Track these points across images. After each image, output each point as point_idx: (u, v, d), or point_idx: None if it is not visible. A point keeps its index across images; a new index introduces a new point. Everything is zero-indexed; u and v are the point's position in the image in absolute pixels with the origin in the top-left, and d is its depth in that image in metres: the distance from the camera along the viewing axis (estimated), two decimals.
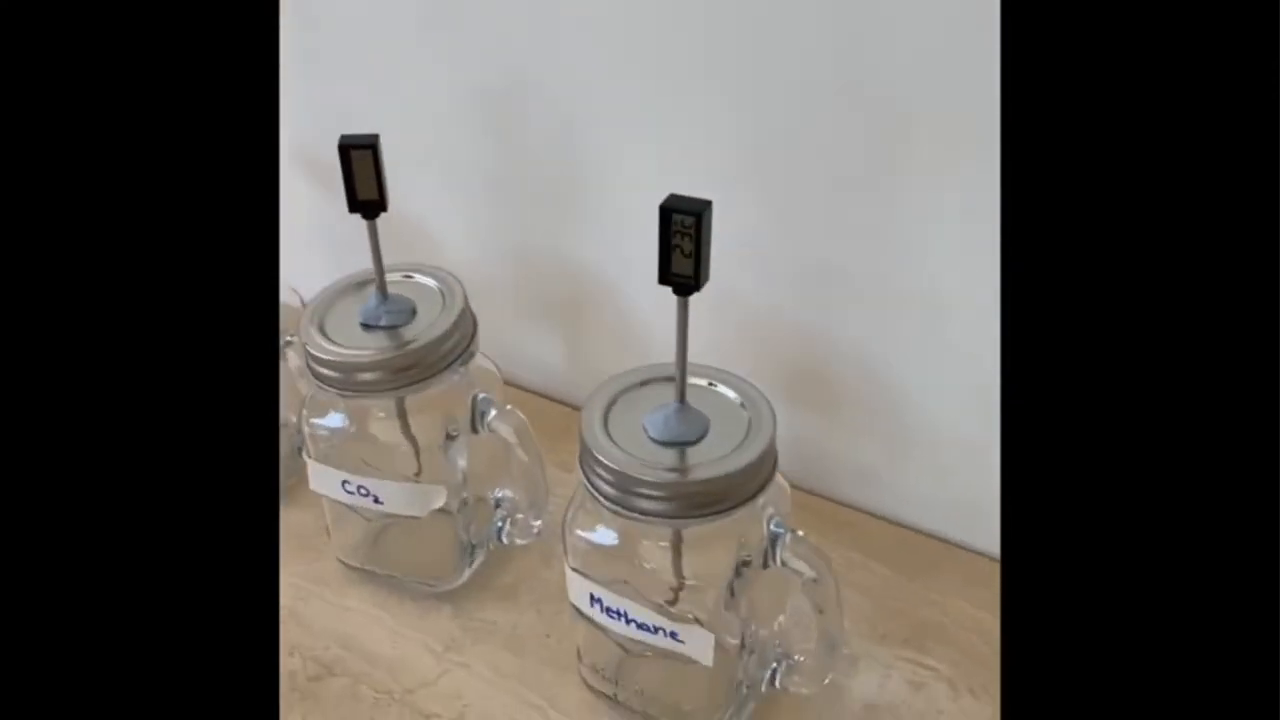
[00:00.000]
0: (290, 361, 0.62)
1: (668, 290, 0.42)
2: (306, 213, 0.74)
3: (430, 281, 0.56)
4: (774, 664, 0.51)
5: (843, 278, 0.58)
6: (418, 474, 0.56)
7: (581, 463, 0.46)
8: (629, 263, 0.64)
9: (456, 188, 0.69)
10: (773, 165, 0.56)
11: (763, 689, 0.51)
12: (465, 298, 0.55)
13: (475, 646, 0.57)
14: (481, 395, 0.56)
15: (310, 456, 0.57)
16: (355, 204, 0.51)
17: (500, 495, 0.60)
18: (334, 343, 0.53)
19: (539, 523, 0.58)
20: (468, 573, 0.59)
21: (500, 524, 0.59)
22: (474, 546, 0.59)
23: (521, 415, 0.55)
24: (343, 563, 0.61)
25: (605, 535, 0.47)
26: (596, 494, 0.45)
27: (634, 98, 0.59)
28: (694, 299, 0.42)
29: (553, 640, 0.57)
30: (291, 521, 0.65)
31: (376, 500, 0.55)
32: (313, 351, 0.52)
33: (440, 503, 0.55)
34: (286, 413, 0.65)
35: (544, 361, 0.72)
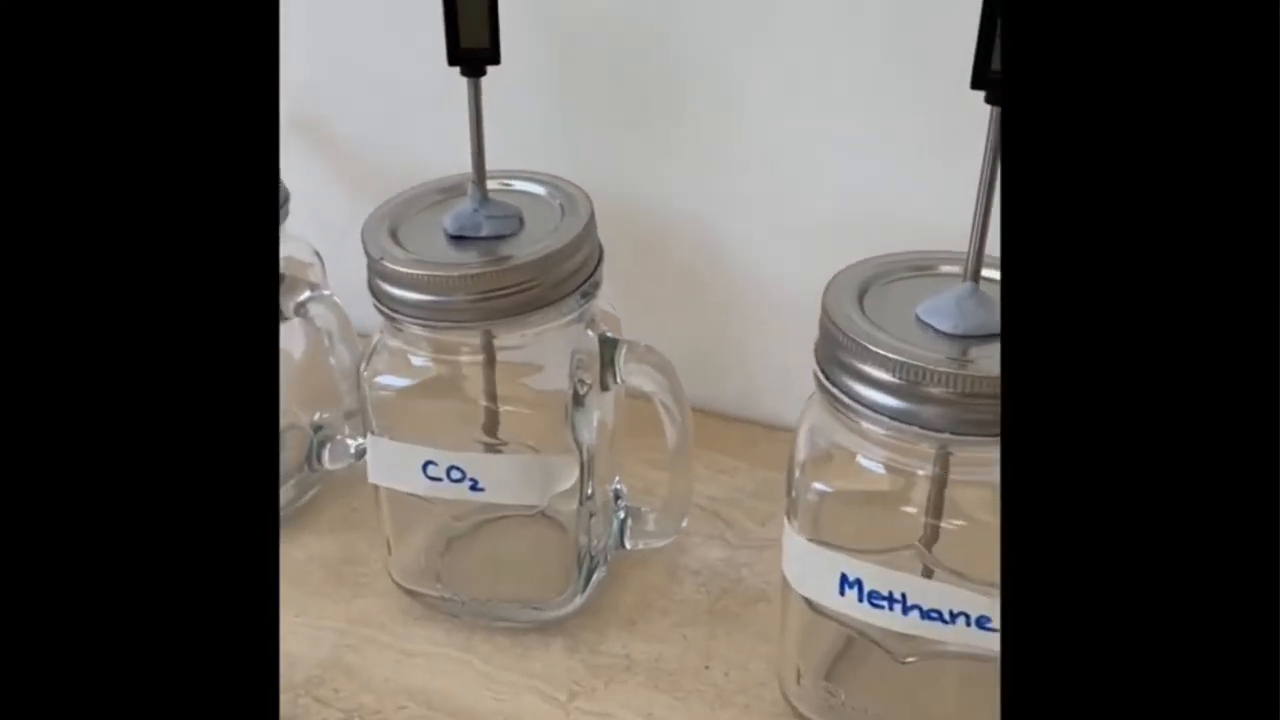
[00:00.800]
0: (318, 320, 0.46)
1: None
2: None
3: (538, 189, 0.42)
4: None
5: None
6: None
7: (827, 373, 0.32)
8: (740, 204, 0.51)
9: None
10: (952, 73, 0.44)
11: None
12: (591, 209, 0.40)
13: (612, 689, 0.41)
14: (608, 333, 0.41)
15: (373, 432, 0.41)
16: (456, 54, 0.36)
17: (620, 487, 0.45)
18: (417, 256, 0.38)
19: (686, 518, 0.43)
20: (586, 593, 0.43)
21: (622, 522, 0.44)
22: (593, 556, 0.43)
23: (663, 354, 0.41)
24: (405, 590, 0.44)
25: (872, 475, 0.33)
26: (867, 410, 0.31)
27: None
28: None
29: (717, 671, 0.41)
30: (315, 550, 0.48)
31: (475, 486, 0.40)
32: (391, 266, 0.37)
33: (569, 483, 0.40)
34: (293, 410, 0.49)
35: None
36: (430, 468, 0.40)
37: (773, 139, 0.49)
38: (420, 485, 0.40)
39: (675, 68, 0.49)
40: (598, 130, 0.52)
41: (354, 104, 0.57)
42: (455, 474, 0.40)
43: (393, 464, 0.40)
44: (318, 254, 0.49)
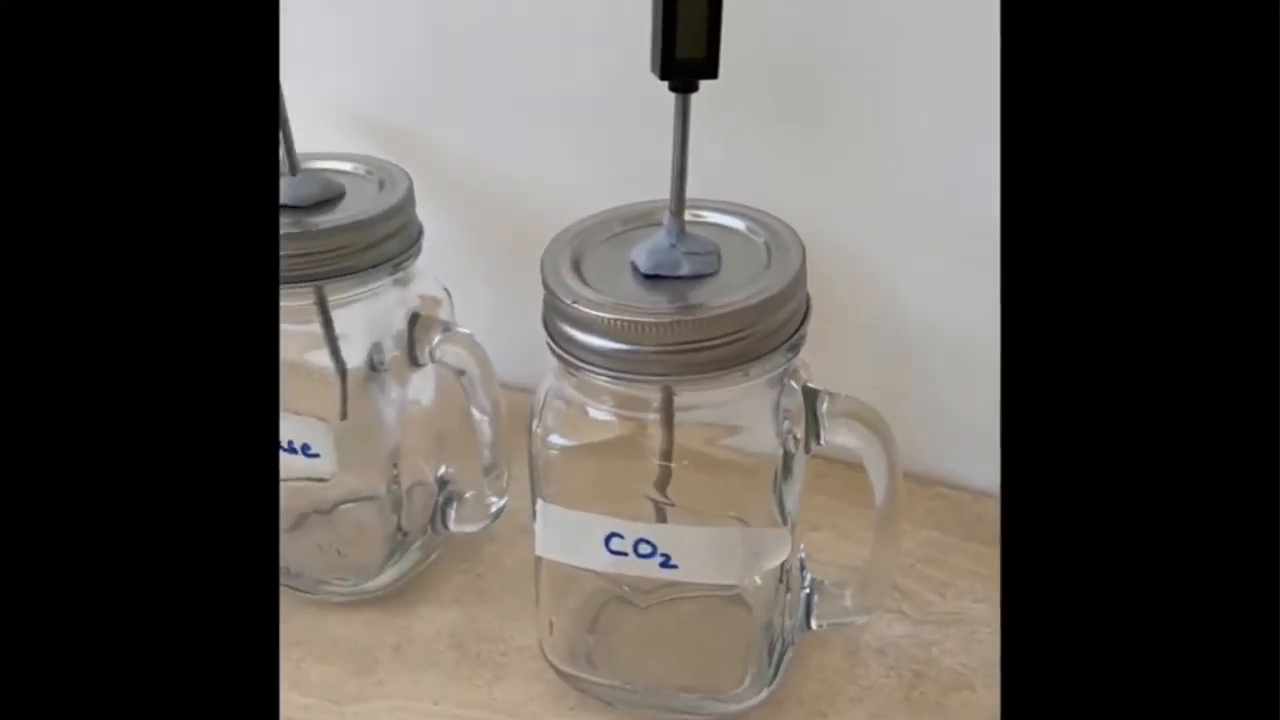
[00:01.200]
0: (453, 362, 0.40)
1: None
2: None
3: (735, 222, 0.36)
4: None
5: None
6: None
7: None
8: (889, 239, 0.46)
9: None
10: None
11: None
12: (803, 250, 0.35)
13: None
14: (809, 383, 0.36)
15: (544, 498, 0.35)
16: (670, 65, 0.31)
17: (803, 557, 0.40)
18: (613, 298, 0.33)
19: (881, 594, 0.38)
20: (774, 681, 0.38)
21: (808, 598, 0.39)
22: (784, 639, 0.38)
23: (871, 406, 0.36)
24: (560, 674, 0.39)
25: None
26: None
27: None
28: None
29: None
30: (443, 624, 0.42)
31: (667, 563, 0.34)
32: (581, 309, 0.32)
33: (778, 560, 0.35)
34: (419, 465, 0.44)
35: None
36: (614, 541, 0.34)
37: (932, 157, 0.44)
38: (602, 561, 0.35)
39: (828, 83, 0.44)
40: (747, 153, 0.47)
41: (461, 123, 0.52)
42: (644, 548, 0.34)
43: (569, 536, 0.35)
44: (446, 290, 0.44)
